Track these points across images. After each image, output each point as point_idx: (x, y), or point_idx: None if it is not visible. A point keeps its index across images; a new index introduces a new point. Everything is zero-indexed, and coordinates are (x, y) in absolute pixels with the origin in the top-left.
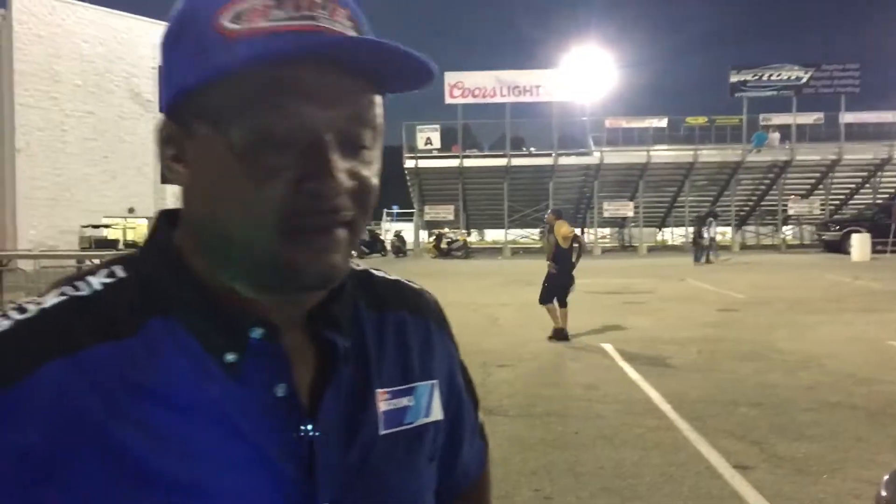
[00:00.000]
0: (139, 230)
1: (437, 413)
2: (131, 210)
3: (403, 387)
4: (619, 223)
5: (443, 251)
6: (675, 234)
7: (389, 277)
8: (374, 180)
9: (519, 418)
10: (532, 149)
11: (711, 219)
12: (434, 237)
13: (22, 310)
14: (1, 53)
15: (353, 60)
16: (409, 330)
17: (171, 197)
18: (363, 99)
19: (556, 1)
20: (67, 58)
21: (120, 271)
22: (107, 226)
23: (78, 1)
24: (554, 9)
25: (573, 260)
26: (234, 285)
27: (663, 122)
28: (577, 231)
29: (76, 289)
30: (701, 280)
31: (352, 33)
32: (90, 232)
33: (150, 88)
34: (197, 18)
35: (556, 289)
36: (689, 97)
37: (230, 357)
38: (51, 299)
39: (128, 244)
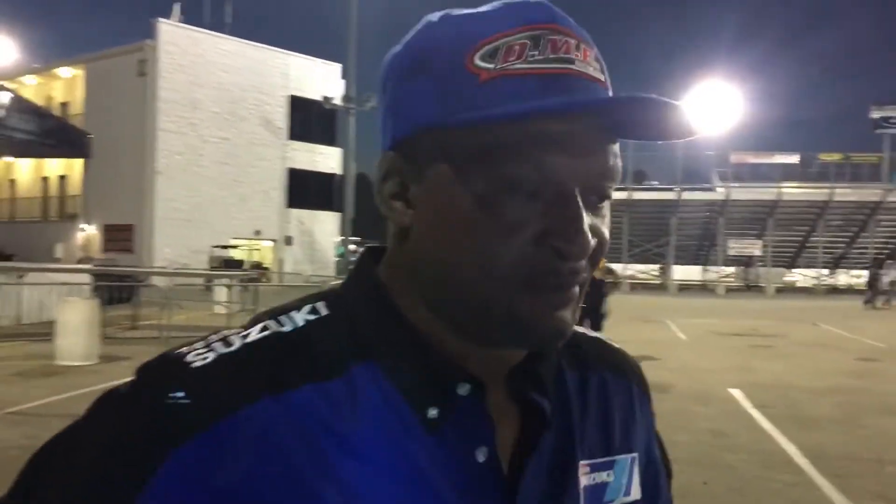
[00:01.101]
0: (264, 252)
1: (635, 491)
2: (257, 232)
3: (604, 459)
4: (745, 262)
5: None
6: (807, 276)
7: (590, 334)
8: (608, 234)
9: None
10: (655, 182)
11: (891, 261)
12: None
13: (226, 342)
14: (146, 81)
15: (618, 116)
16: (612, 394)
17: (295, 221)
18: (612, 151)
19: (683, 34)
20: (207, 86)
21: (323, 308)
22: (234, 246)
23: (218, 33)
24: (680, 42)
25: (603, 291)
26: (447, 334)
27: (794, 158)
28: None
29: (280, 324)
30: (835, 325)
31: (600, 77)
32: (219, 252)
33: (280, 116)
34: (445, 53)
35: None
36: (821, 133)
37: (433, 412)
38: (255, 334)
39: (253, 265)
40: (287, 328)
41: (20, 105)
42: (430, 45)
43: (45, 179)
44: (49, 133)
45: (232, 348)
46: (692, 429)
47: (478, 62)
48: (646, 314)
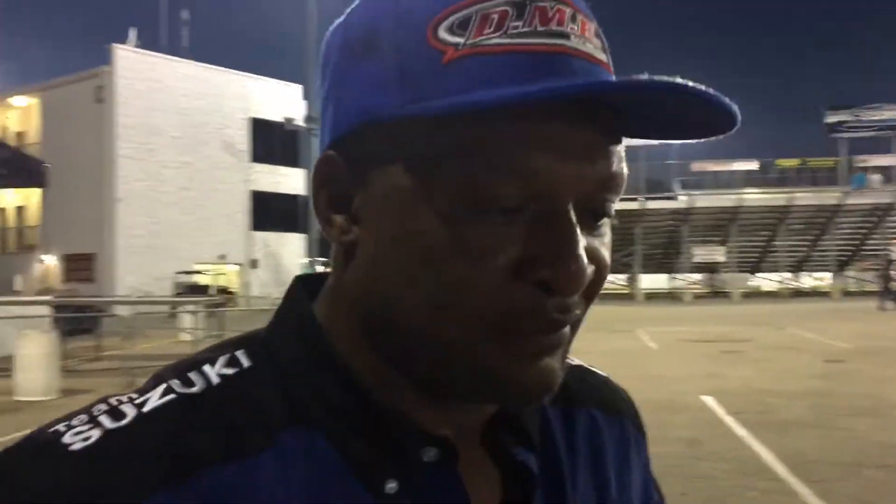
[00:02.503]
0: (230, 276)
1: None
2: (222, 256)
3: None
4: (711, 268)
5: None
6: (771, 280)
7: (573, 362)
8: (609, 260)
9: None
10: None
11: None
12: None
13: (115, 414)
14: (104, 108)
15: (626, 105)
16: (604, 434)
17: (261, 244)
18: (616, 154)
19: (630, 41)
20: (166, 111)
21: (244, 358)
22: (199, 272)
23: (175, 57)
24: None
25: None
26: (403, 387)
27: (753, 165)
28: None
29: (187, 384)
30: (801, 328)
31: (602, 57)
32: (183, 278)
33: (241, 139)
34: (401, 25)
35: None
36: (778, 139)
37: (391, 486)
38: (154, 399)
39: (219, 290)
40: (196, 388)
41: None
42: (382, 15)
43: (1, 211)
44: (3, 163)
45: (122, 422)
46: (666, 439)
47: (442, 35)
48: (614, 324)
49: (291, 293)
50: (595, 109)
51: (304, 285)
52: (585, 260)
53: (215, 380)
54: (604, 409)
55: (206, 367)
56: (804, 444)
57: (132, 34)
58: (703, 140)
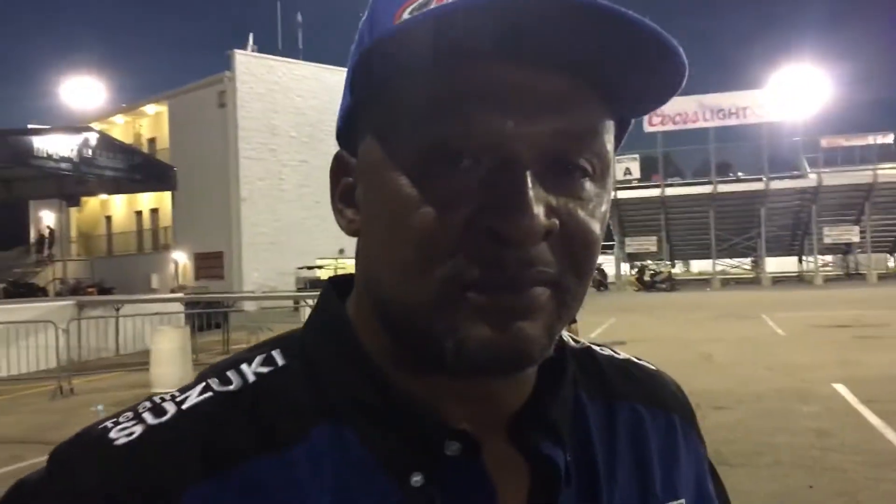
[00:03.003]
0: (349, 269)
1: None
2: (341, 251)
3: None
4: (844, 249)
5: (646, 284)
6: None
7: (618, 357)
8: (593, 225)
9: (742, 468)
10: (740, 174)
11: None
12: (636, 270)
13: (157, 410)
14: (227, 112)
15: (563, 38)
16: (648, 429)
17: None
18: (578, 106)
19: (765, 21)
20: (284, 112)
21: (279, 357)
22: (319, 266)
23: (291, 59)
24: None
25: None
26: (422, 376)
27: (889, 139)
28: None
29: (225, 382)
30: None
31: None
32: (305, 273)
33: None
34: (374, 19)
35: None
36: None
37: (416, 479)
38: (193, 397)
39: None
40: (234, 386)
41: (107, 144)
42: (362, 26)
43: (138, 213)
44: (136, 169)
45: (164, 418)
46: (794, 429)
47: (405, 17)
48: (740, 310)
49: (323, 293)
50: (541, 51)
51: (335, 285)
52: (537, 209)
53: (251, 378)
54: (648, 403)
55: (244, 366)
56: None
57: (250, 39)
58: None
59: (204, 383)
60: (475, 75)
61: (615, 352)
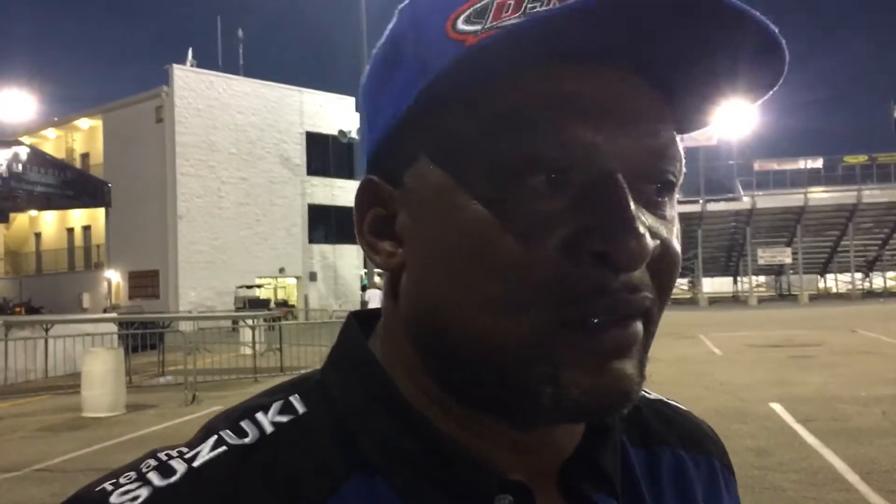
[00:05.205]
0: (289, 289)
1: None
2: (281, 270)
3: None
4: (776, 270)
5: None
6: (840, 281)
7: (649, 396)
8: (678, 247)
9: None
10: (678, 195)
11: None
12: None
13: (165, 470)
14: (165, 127)
15: (659, 46)
16: (692, 477)
17: (318, 256)
18: (668, 123)
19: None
20: (223, 128)
21: (298, 404)
22: (259, 286)
23: (231, 75)
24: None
25: None
26: (473, 423)
27: (818, 163)
28: None
29: (239, 434)
30: (874, 330)
31: None
32: (244, 292)
33: (297, 153)
34: (420, 30)
35: None
36: (843, 136)
37: None
38: (205, 452)
39: (278, 303)
40: (249, 439)
41: (38, 158)
42: (402, 30)
43: (69, 230)
44: (68, 184)
45: (172, 479)
46: (734, 449)
47: (461, 27)
48: (678, 330)
49: (346, 331)
50: (630, 66)
51: (359, 322)
52: (643, 229)
53: (269, 428)
54: (689, 447)
55: (259, 415)
56: (879, 452)
57: (189, 54)
58: (759, 101)
59: (216, 436)
60: (565, 85)
61: (646, 391)
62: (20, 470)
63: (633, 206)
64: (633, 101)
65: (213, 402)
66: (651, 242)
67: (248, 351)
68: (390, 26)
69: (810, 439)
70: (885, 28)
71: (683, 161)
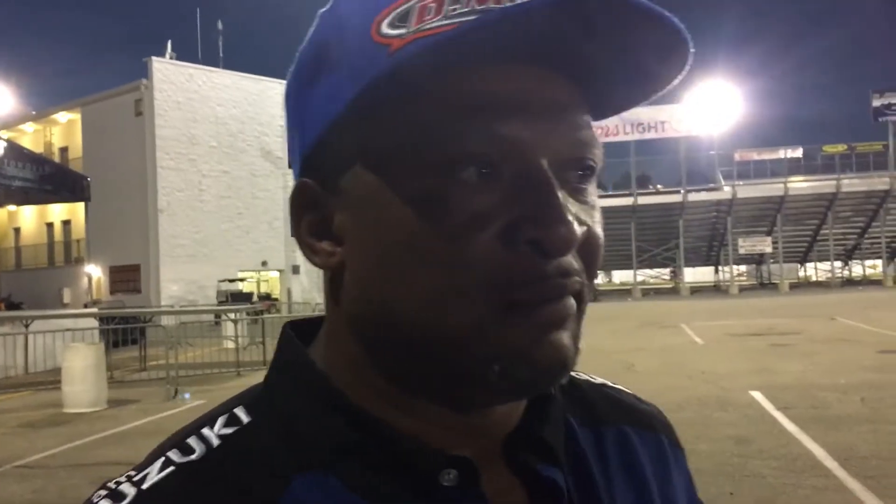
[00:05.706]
0: (272, 283)
1: None
2: (264, 263)
3: None
4: (757, 260)
5: None
6: (820, 270)
7: (594, 380)
8: (600, 231)
9: None
10: (659, 186)
11: None
12: None
13: (115, 496)
14: (144, 120)
15: (577, 43)
16: (638, 450)
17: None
18: (586, 114)
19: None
20: (203, 121)
21: (243, 414)
22: (241, 279)
23: (212, 67)
24: None
25: None
26: (419, 409)
27: (798, 153)
28: None
29: (186, 451)
30: (853, 318)
31: None
32: (226, 286)
33: (279, 146)
34: (345, 35)
35: None
36: (823, 126)
37: None
38: (153, 474)
39: (261, 296)
40: (196, 455)
41: (15, 152)
42: (325, 34)
43: (49, 225)
44: (46, 179)
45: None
46: (714, 437)
47: (385, 31)
48: (659, 319)
49: (283, 340)
50: (548, 65)
51: (296, 330)
52: (570, 217)
53: (215, 442)
54: (636, 426)
55: (206, 430)
56: (857, 439)
57: (169, 46)
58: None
59: (163, 458)
60: (489, 85)
61: (590, 376)
62: (1, 466)
63: (560, 195)
64: (554, 95)
65: (197, 397)
66: (579, 229)
67: (231, 345)
68: (312, 30)
69: (790, 427)
70: (863, 17)
71: (602, 148)
